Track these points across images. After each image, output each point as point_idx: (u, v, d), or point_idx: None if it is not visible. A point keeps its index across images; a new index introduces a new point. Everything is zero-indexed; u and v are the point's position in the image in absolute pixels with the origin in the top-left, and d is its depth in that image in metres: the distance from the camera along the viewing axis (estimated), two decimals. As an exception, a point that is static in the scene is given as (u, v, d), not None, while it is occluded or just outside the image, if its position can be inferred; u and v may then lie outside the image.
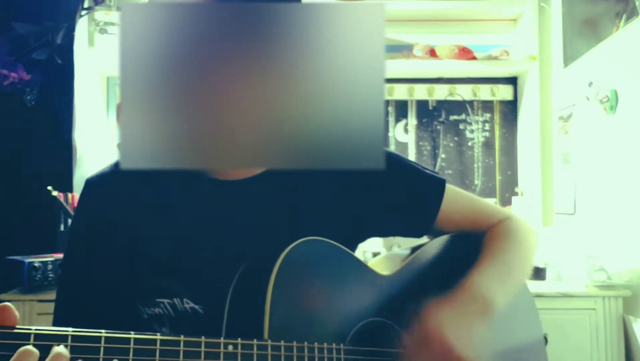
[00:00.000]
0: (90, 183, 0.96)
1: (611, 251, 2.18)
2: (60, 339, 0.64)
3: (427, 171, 1.03)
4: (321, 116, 0.68)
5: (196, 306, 0.88)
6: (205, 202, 0.92)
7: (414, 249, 1.05)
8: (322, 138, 0.68)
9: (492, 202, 1.11)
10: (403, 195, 0.99)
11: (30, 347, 0.60)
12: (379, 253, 2.44)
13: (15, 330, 0.61)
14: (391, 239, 2.40)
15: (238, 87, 0.67)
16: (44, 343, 0.63)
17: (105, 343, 0.66)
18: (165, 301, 0.89)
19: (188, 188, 0.92)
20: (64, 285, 0.96)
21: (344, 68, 0.67)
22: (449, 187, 1.02)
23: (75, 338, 0.65)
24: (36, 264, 2.09)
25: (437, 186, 1.01)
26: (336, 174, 0.96)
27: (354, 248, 0.99)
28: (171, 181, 0.92)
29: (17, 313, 0.62)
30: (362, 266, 0.94)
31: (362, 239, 1.03)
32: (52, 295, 2.10)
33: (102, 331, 0.66)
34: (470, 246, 1.04)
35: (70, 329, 0.65)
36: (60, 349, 0.62)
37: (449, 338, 0.84)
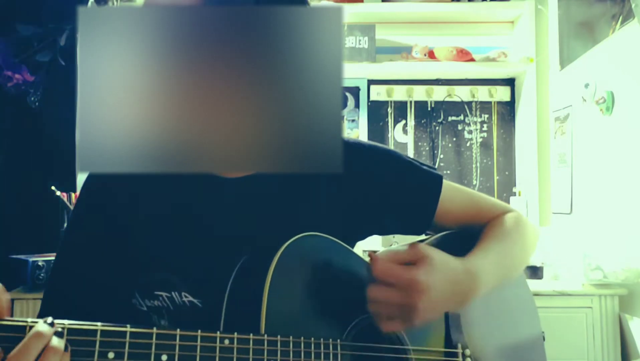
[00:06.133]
0: (92, 174, 0.96)
1: (607, 250, 2.19)
2: (56, 333, 0.64)
3: (424, 167, 1.02)
4: (279, 120, 0.67)
5: (195, 300, 0.88)
6: (204, 198, 0.92)
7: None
8: (280, 142, 0.68)
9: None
10: (400, 192, 0.99)
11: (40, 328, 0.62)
12: (377, 252, 2.46)
13: (10, 323, 0.62)
14: (389, 237, 2.41)
15: (194, 91, 0.67)
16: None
17: (101, 336, 0.67)
18: (164, 294, 0.89)
19: (188, 184, 0.92)
20: (59, 271, 0.95)
21: (302, 72, 0.67)
22: (447, 183, 1.02)
23: (71, 331, 0.65)
24: (40, 263, 2.11)
25: (434, 181, 1.01)
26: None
27: (352, 246, 0.99)
28: (172, 176, 0.92)
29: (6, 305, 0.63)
30: (360, 261, 0.94)
31: (362, 237, 1.03)
32: (55, 293, 2.11)
33: (98, 324, 0.67)
34: (472, 243, 1.03)
35: (66, 322, 0.66)
36: (40, 327, 0.63)
37: (421, 285, 0.81)
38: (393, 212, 1.00)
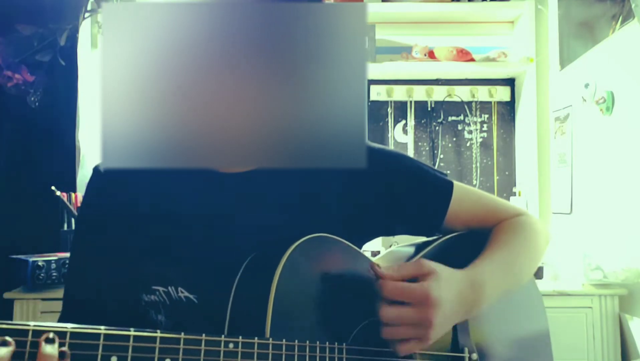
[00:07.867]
0: (97, 170, 0.97)
1: (607, 250, 2.20)
2: (59, 335, 0.64)
3: (435, 172, 1.02)
4: (303, 115, 0.68)
5: (191, 296, 0.88)
6: (205, 194, 0.92)
7: (419, 247, 1.04)
8: (304, 137, 0.68)
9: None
10: (410, 196, 0.99)
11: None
12: (378, 252, 2.46)
13: (14, 326, 0.62)
14: (390, 237, 2.41)
15: (218, 87, 0.67)
16: (37, 339, 0.62)
17: (104, 340, 0.66)
18: (161, 289, 0.90)
19: (191, 179, 0.92)
20: (73, 271, 0.97)
21: (326, 68, 0.67)
22: (459, 185, 1.01)
23: (73, 335, 0.65)
24: (40, 263, 2.11)
25: (444, 187, 1.00)
26: (340, 173, 0.95)
27: (360, 247, 0.98)
28: (175, 171, 0.91)
29: None
30: (368, 264, 0.92)
31: (369, 238, 1.03)
32: (56, 294, 2.13)
33: (101, 327, 0.67)
34: (481, 247, 1.02)
35: (69, 325, 0.65)
36: (48, 349, 0.62)
37: (433, 300, 0.82)
38: (402, 216, 1.00)
